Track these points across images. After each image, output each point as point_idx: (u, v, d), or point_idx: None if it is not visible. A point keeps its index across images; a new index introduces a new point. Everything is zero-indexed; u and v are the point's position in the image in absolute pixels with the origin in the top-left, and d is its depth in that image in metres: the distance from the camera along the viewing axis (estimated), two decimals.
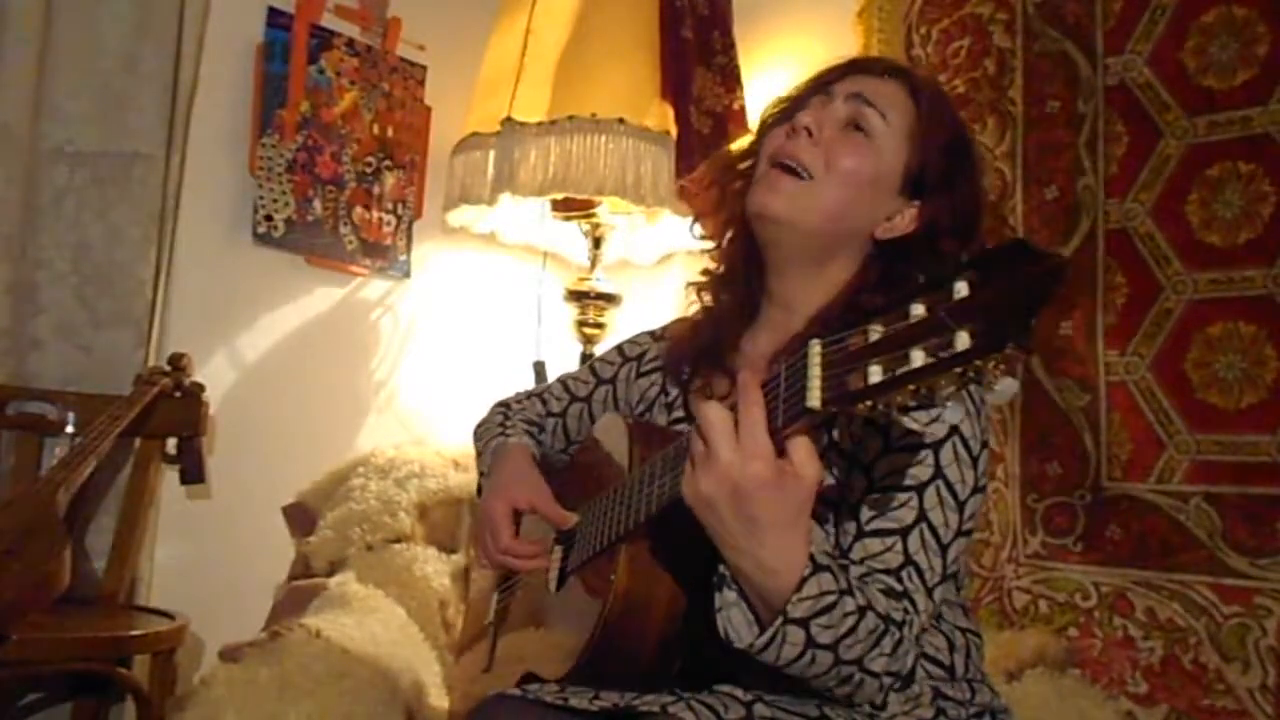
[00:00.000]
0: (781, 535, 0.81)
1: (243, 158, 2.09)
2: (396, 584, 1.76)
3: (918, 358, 0.66)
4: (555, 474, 1.27)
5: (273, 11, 2.13)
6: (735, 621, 0.86)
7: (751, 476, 0.78)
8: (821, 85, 1.14)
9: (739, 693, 0.97)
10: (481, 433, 1.39)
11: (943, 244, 1.08)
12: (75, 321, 1.86)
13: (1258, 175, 1.63)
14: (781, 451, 0.79)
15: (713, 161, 1.30)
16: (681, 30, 2.06)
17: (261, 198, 2.09)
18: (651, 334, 1.34)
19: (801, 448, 0.79)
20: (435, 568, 1.82)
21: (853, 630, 0.85)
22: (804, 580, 0.81)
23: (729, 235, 1.21)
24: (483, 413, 1.44)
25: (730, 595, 0.86)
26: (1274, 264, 1.61)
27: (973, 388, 0.65)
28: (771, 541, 0.81)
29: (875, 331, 0.70)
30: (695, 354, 1.20)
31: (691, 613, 1.00)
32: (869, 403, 0.70)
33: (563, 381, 1.40)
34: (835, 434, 1.03)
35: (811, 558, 0.82)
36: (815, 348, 0.75)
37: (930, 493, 0.97)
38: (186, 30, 1.96)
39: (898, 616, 0.90)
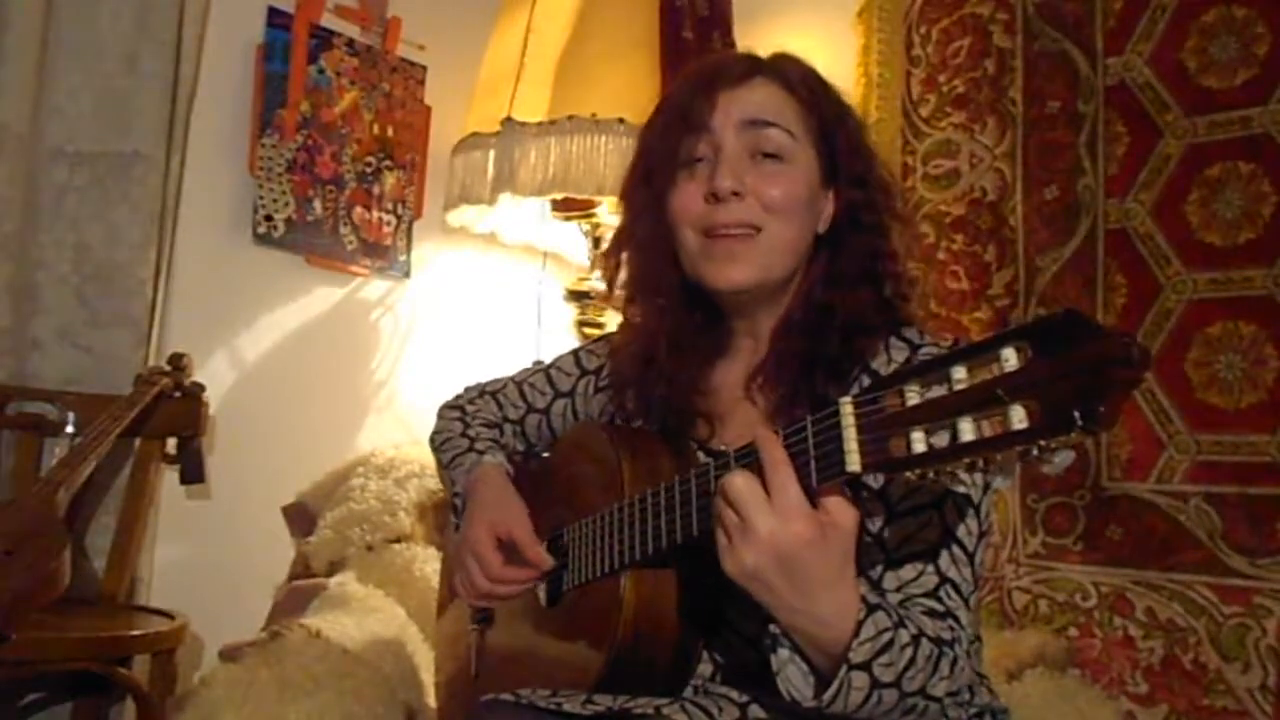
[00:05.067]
0: (833, 587, 0.79)
1: (243, 158, 2.09)
2: (396, 584, 1.75)
3: (967, 429, 0.64)
4: (525, 477, 1.23)
5: (273, 11, 2.13)
6: (794, 680, 0.83)
7: (794, 537, 0.76)
8: (696, 127, 1.05)
9: (734, 694, 0.97)
10: (443, 444, 1.30)
11: (876, 209, 1.07)
12: (75, 321, 1.86)
13: (1258, 175, 1.64)
14: (813, 504, 0.78)
15: (610, 255, 1.18)
16: (681, 30, 2.06)
17: (261, 198, 2.09)
18: (609, 341, 1.27)
19: (834, 498, 0.78)
20: (435, 568, 1.81)
21: (912, 661, 0.83)
22: (860, 624, 0.80)
23: (661, 304, 1.12)
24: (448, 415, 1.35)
25: (784, 654, 0.83)
26: (1274, 264, 1.61)
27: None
28: (824, 596, 0.79)
29: (913, 394, 0.68)
30: (660, 407, 1.12)
31: (703, 619, 1.00)
32: (917, 471, 0.68)
33: (519, 386, 1.33)
34: None
35: (863, 599, 0.81)
36: (847, 408, 0.73)
37: (949, 505, 0.94)
38: (186, 30, 1.95)
39: (947, 636, 0.88)
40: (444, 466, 1.30)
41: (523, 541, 1.11)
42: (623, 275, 1.18)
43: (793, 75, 1.09)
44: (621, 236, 1.17)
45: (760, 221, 1.03)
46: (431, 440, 1.34)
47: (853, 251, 1.06)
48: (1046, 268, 1.82)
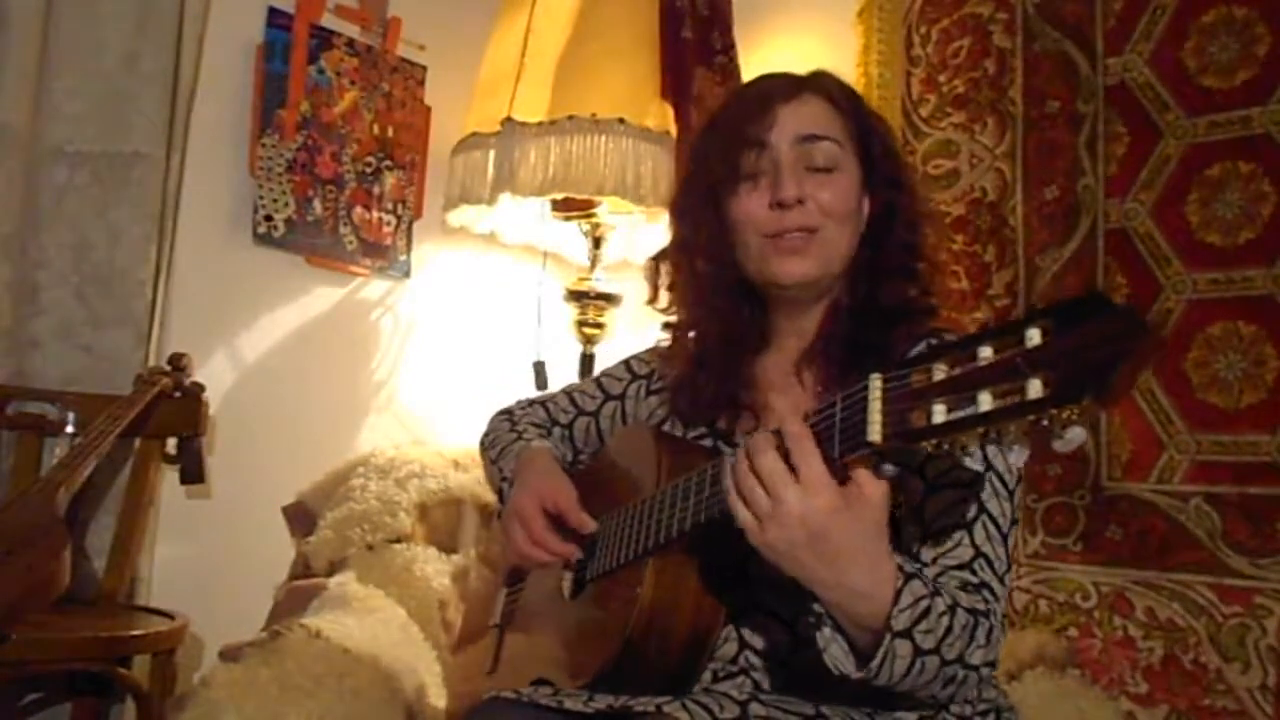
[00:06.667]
0: (866, 558, 0.82)
1: (243, 158, 2.09)
2: (396, 584, 1.75)
3: (985, 401, 0.67)
4: (573, 477, 1.25)
5: (273, 11, 2.13)
6: (839, 656, 0.86)
7: (821, 509, 0.79)
8: (755, 143, 1.13)
9: (734, 692, 0.98)
10: (493, 441, 1.37)
11: (907, 208, 1.16)
12: (75, 321, 1.86)
13: (1258, 175, 1.64)
14: (841, 480, 0.80)
15: (667, 255, 1.26)
16: (681, 30, 2.06)
17: (261, 198, 2.09)
18: (658, 349, 1.33)
19: (861, 471, 0.80)
20: (435, 568, 1.82)
21: (949, 629, 0.86)
22: (899, 592, 0.82)
23: (717, 303, 1.18)
24: (484, 420, 1.43)
25: (827, 633, 0.86)
26: (1274, 264, 1.61)
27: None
28: (858, 567, 0.81)
29: (940, 371, 0.71)
30: (710, 404, 1.17)
31: (728, 598, 1.01)
32: (933, 441, 0.71)
33: (568, 394, 1.39)
34: None
35: (900, 567, 0.83)
36: (876, 382, 0.76)
37: (983, 486, 0.98)
38: (186, 30, 1.95)
39: (982, 607, 0.92)
40: (492, 462, 1.35)
41: (566, 509, 1.16)
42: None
43: (834, 89, 1.18)
44: (679, 245, 1.24)
45: (818, 224, 1.12)
46: (481, 442, 1.41)
47: (890, 247, 1.14)
48: (1046, 268, 1.82)
